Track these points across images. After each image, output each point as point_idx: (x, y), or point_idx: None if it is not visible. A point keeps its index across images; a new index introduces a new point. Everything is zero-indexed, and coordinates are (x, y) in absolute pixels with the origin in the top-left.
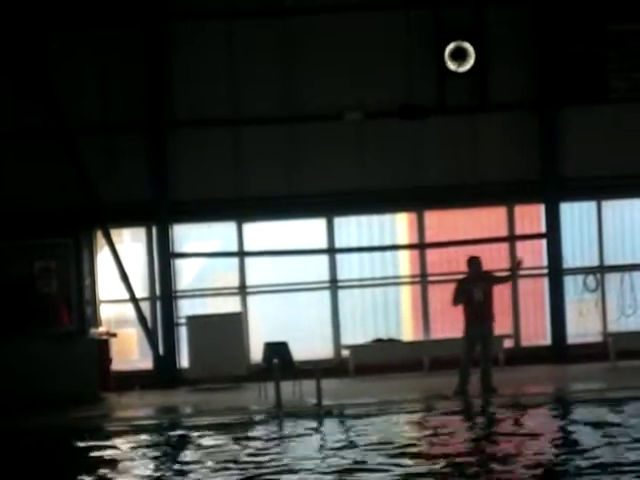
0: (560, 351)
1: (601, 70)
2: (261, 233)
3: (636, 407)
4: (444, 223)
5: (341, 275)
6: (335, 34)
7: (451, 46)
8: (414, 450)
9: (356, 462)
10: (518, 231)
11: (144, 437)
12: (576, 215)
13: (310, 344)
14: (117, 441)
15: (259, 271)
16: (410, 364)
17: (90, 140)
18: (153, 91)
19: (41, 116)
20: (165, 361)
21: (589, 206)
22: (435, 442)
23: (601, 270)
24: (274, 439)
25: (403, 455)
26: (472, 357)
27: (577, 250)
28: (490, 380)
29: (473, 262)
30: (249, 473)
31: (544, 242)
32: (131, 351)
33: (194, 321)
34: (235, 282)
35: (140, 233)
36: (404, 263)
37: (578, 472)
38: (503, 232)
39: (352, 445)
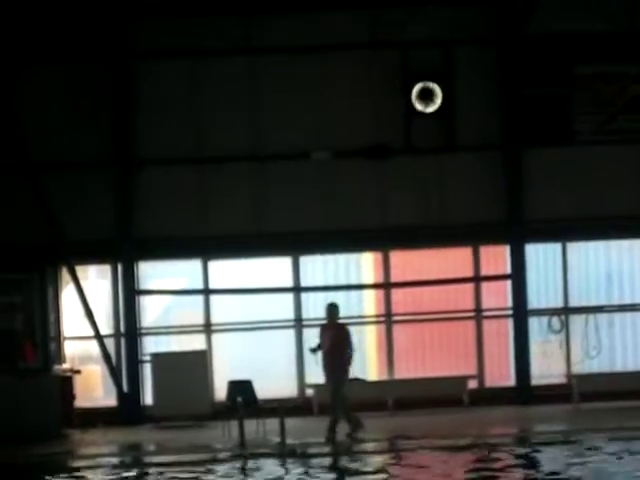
0: (524, 392)
1: (567, 112)
2: (227, 271)
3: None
4: (410, 263)
5: (306, 314)
6: (303, 73)
7: (418, 87)
8: None
9: None
10: (483, 272)
11: (107, 474)
12: (541, 256)
13: (274, 383)
14: (80, 478)
15: (224, 309)
16: (374, 403)
17: (57, 176)
18: (120, 129)
19: (7, 151)
20: (129, 398)
21: (554, 248)
22: None
23: (566, 311)
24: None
25: None
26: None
27: (542, 291)
28: (332, 429)
29: (326, 309)
30: None
31: (509, 283)
32: (95, 388)
33: (158, 358)
34: (200, 320)
35: (105, 270)
36: (369, 302)
37: None
38: (469, 273)
39: None
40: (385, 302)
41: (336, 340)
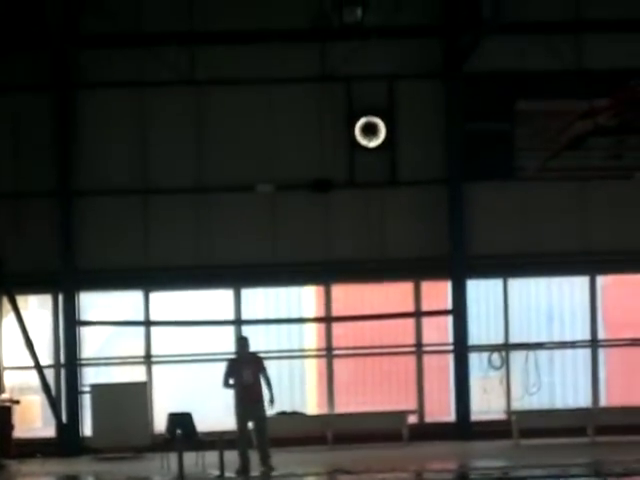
0: (464, 428)
1: (509, 148)
2: (168, 303)
3: None
4: (351, 297)
5: None
6: (248, 106)
7: (362, 121)
8: None
9: None
10: (425, 307)
11: None
12: (482, 292)
13: (214, 415)
14: None
15: (165, 341)
16: (314, 437)
17: None
18: (62, 158)
19: None
20: (68, 429)
21: (495, 284)
22: None
23: (506, 348)
24: None
25: None
26: (246, 436)
27: (483, 327)
28: (268, 460)
29: (240, 343)
30: None
31: (450, 318)
32: (34, 419)
33: (98, 389)
34: (141, 351)
35: (46, 300)
36: (310, 336)
37: None
38: (410, 307)
39: None
40: (326, 336)
41: (257, 372)
